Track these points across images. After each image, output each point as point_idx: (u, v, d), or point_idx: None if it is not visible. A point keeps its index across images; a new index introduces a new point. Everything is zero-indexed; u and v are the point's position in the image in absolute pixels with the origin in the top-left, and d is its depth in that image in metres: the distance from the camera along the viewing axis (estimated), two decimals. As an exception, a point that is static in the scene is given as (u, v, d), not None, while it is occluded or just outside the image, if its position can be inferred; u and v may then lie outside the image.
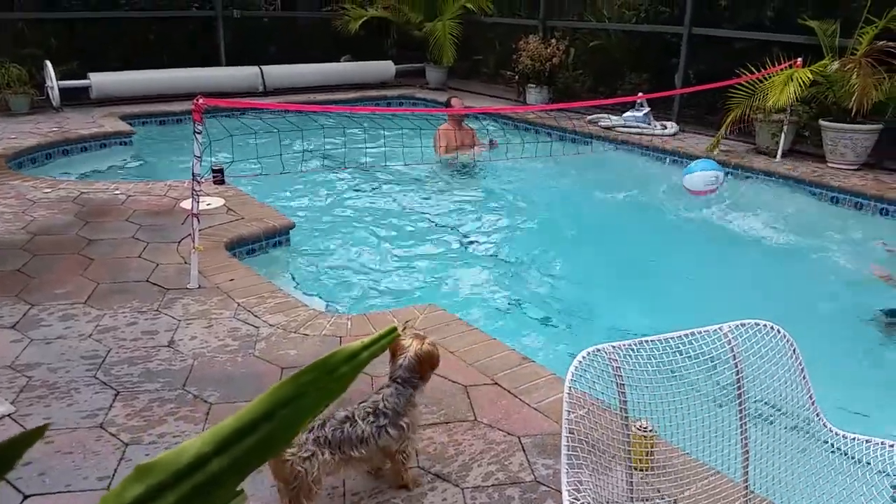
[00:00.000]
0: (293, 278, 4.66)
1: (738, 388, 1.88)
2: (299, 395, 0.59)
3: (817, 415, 1.92)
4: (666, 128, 8.31)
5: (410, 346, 2.26)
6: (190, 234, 3.95)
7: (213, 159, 5.71)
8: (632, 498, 1.87)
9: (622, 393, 1.78)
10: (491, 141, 7.62)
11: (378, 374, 2.83)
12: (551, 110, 8.95)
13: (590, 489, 1.67)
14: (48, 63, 8.86)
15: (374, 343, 0.66)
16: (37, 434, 0.57)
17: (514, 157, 6.63)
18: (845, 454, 1.87)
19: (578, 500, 1.61)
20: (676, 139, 8.08)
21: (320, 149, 7.54)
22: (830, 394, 2.81)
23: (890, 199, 5.96)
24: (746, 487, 1.90)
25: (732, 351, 1.86)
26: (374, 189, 7.01)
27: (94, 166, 7.28)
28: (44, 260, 4.30)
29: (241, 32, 11.41)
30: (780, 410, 1.98)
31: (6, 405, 2.77)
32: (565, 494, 1.61)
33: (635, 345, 1.82)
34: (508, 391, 2.92)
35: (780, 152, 7.11)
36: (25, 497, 2.28)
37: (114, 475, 2.40)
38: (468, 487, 2.37)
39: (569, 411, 1.70)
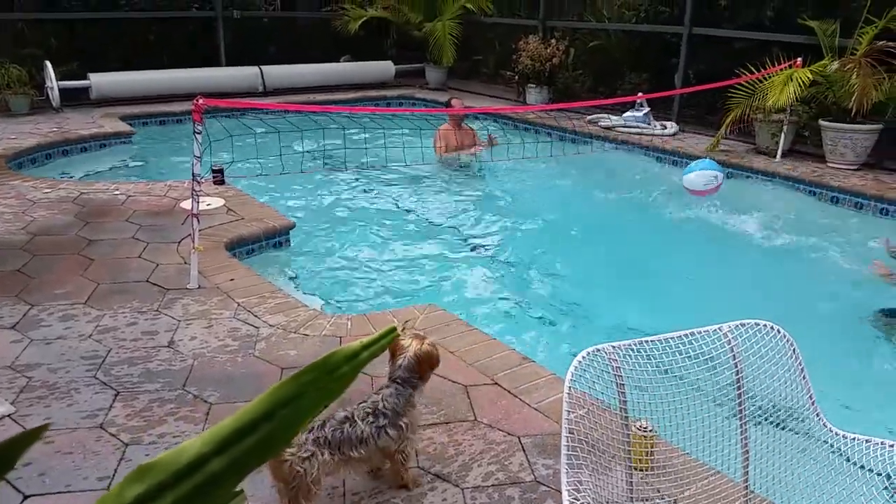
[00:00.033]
0: (293, 278, 4.66)
1: (738, 388, 1.88)
2: (299, 395, 0.59)
3: (817, 415, 1.92)
4: (666, 128, 8.31)
5: (410, 346, 2.26)
6: (190, 235, 3.95)
7: (213, 159, 5.71)
8: (632, 498, 1.87)
9: (622, 393, 1.78)
10: (490, 137, 7.58)
11: (378, 374, 2.83)
12: (551, 110, 8.95)
13: (590, 489, 1.67)
14: (48, 63, 8.85)
15: (374, 343, 0.66)
16: (37, 434, 0.57)
17: (514, 157, 6.63)
18: (845, 454, 1.88)
19: (578, 500, 1.61)
20: (676, 139, 8.07)
21: (320, 149, 7.54)
22: (830, 394, 2.81)
23: (890, 199, 5.97)
24: (746, 487, 1.90)
25: (732, 351, 1.86)
26: (374, 189, 7.01)
27: (94, 167, 7.28)
28: (44, 260, 4.30)
29: (240, 33, 11.41)
30: (780, 410, 1.97)
31: (6, 405, 2.77)
32: (565, 494, 1.61)
33: (635, 345, 1.82)
34: (508, 391, 2.92)
35: (779, 152, 7.12)
36: (25, 497, 2.28)
37: (114, 475, 2.40)
38: (468, 487, 2.37)
39: (569, 411, 1.70)
